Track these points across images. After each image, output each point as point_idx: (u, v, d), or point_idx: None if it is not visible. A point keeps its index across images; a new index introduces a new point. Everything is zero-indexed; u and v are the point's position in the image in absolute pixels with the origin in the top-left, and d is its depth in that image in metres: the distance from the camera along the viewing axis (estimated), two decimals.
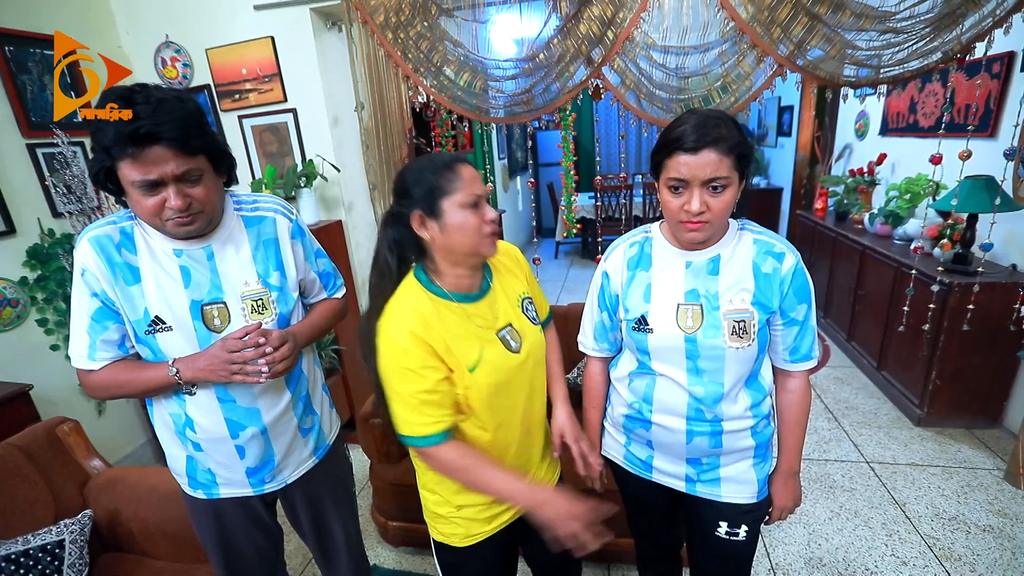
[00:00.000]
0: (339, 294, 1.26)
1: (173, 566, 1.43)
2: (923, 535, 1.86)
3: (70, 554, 1.32)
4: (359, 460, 2.50)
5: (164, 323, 0.97)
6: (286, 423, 1.12)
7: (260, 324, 1.00)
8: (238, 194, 1.09)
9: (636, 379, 1.10)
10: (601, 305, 1.13)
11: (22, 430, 1.53)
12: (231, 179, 1.03)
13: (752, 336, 0.97)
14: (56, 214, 2.22)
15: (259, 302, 1.04)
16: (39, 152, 2.14)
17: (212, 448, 1.07)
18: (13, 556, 1.25)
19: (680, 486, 1.12)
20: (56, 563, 1.29)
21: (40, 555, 1.28)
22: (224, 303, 1.01)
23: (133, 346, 1.01)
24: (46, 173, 2.16)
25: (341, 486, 1.32)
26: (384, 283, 0.97)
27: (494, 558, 1.13)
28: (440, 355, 0.92)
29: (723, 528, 1.09)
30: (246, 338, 0.96)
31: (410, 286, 0.97)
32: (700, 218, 0.91)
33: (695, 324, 0.98)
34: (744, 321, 0.96)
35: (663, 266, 1.04)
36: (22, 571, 1.24)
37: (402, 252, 0.98)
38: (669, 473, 1.12)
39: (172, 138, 0.85)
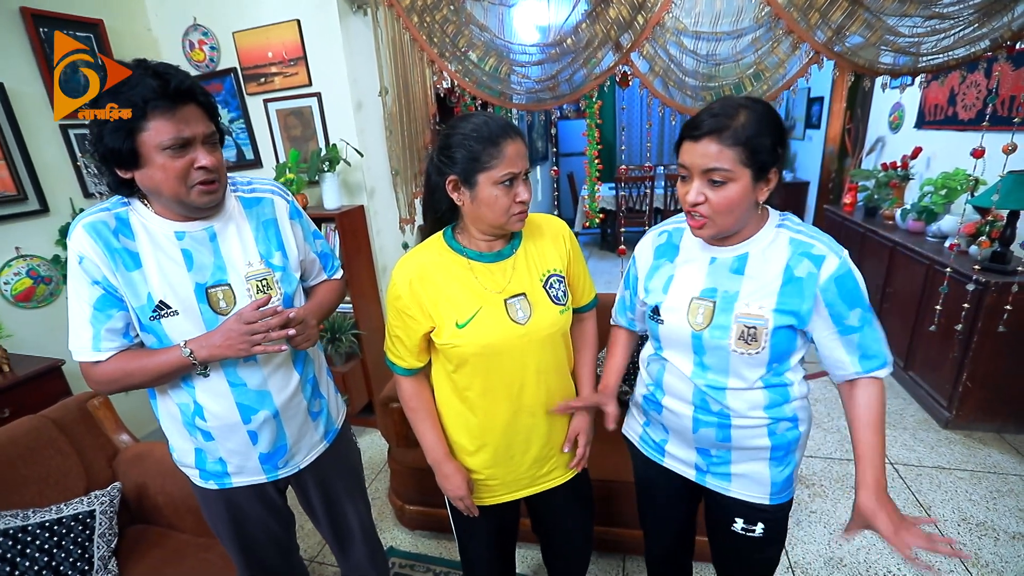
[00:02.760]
0: (338, 275, 1.27)
1: (198, 540, 1.47)
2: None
3: (100, 524, 1.36)
4: (377, 444, 2.53)
5: (169, 308, 0.96)
6: (296, 406, 1.12)
7: (270, 297, 0.99)
8: (232, 176, 1.08)
9: (652, 363, 1.10)
10: (626, 283, 1.18)
11: (54, 403, 1.58)
12: None
13: (762, 344, 0.92)
14: (87, 194, 2.27)
15: (264, 282, 1.03)
16: (71, 133, 2.19)
17: (224, 436, 1.05)
18: (47, 524, 1.29)
19: (690, 474, 1.10)
20: (87, 532, 1.33)
21: (72, 524, 1.32)
22: (229, 285, 1.00)
23: (138, 335, 0.99)
24: (78, 154, 2.21)
25: (352, 470, 1.33)
26: (425, 217, 1.10)
27: (494, 522, 1.21)
28: (428, 309, 1.01)
29: (739, 524, 1.06)
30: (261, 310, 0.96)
31: (433, 238, 1.07)
32: (698, 210, 0.90)
33: (704, 322, 0.96)
34: (755, 328, 0.91)
35: (688, 258, 1.02)
36: (55, 539, 1.29)
37: (436, 203, 1.03)
38: (680, 459, 1.11)
39: (203, 98, 0.91)
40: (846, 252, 0.90)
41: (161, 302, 0.95)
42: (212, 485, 1.12)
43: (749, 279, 0.93)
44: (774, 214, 0.96)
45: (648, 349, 1.13)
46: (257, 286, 1.02)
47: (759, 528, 1.05)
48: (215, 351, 0.94)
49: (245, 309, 0.95)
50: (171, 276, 0.96)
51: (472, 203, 0.97)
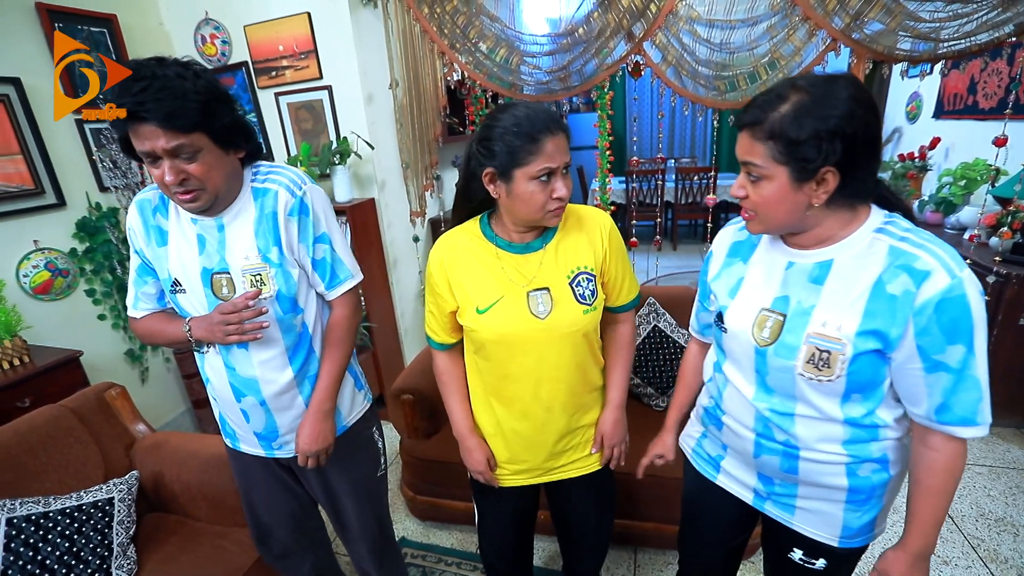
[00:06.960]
0: (340, 290, 1.13)
1: (213, 527, 1.49)
2: (967, 535, 1.79)
3: (119, 511, 1.38)
4: (389, 436, 2.54)
5: (180, 286, 1.05)
6: (289, 400, 1.12)
7: (259, 292, 1.01)
8: (262, 164, 1.08)
9: (716, 375, 0.99)
10: (701, 282, 1.04)
11: (73, 393, 1.60)
12: (254, 155, 1.05)
13: (838, 371, 0.77)
14: (103, 188, 2.29)
15: (258, 277, 1.03)
16: (87, 127, 2.21)
17: (224, 406, 1.16)
18: (68, 510, 1.32)
19: (747, 497, 0.99)
20: (107, 519, 1.36)
21: (92, 511, 1.35)
22: (230, 274, 1.04)
23: (170, 301, 1.11)
24: (93, 148, 2.23)
25: (359, 470, 1.25)
26: (457, 204, 1.11)
27: (509, 507, 1.24)
28: (454, 290, 1.05)
29: (798, 554, 0.94)
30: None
31: (470, 222, 1.09)
32: (744, 204, 0.82)
33: (771, 337, 0.83)
34: (829, 352, 0.77)
35: (762, 260, 0.89)
36: (76, 525, 1.31)
37: (472, 193, 1.04)
38: (738, 480, 1.00)
39: (155, 117, 0.86)
40: (968, 272, 0.71)
41: (176, 279, 1.05)
42: (229, 443, 1.23)
43: (830, 292, 0.78)
44: (876, 215, 0.79)
45: (711, 356, 1.02)
46: (252, 280, 1.04)
47: (820, 563, 0.93)
48: (202, 334, 1.03)
49: (227, 302, 1.01)
50: (185, 257, 1.03)
51: (508, 197, 0.95)
